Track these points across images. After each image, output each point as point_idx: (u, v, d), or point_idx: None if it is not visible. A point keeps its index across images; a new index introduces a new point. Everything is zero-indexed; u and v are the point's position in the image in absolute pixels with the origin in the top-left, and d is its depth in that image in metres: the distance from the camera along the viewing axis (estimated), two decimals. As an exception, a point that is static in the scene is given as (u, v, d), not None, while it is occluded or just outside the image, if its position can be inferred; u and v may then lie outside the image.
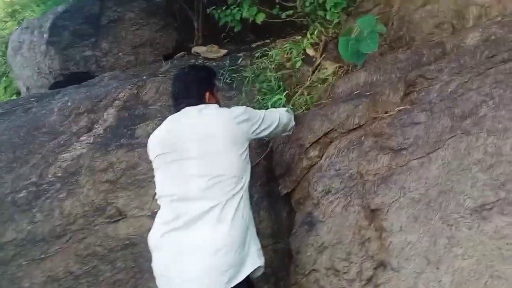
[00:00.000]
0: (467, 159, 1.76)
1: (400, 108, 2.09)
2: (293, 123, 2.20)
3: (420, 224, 1.76)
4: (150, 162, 1.93)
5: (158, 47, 3.94)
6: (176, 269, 1.67)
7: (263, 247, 2.26)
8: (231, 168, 1.76)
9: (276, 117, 2.04)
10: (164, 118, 1.97)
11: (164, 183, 1.82)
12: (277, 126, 2.03)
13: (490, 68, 1.89)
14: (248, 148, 1.86)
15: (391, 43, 2.63)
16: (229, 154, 1.77)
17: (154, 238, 1.77)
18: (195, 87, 1.92)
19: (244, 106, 1.95)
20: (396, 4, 2.64)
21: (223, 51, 3.41)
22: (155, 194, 1.89)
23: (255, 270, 1.76)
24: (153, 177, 1.87)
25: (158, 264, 1.75)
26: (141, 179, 2.44)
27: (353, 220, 1.96)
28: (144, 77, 3.12)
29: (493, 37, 2.07)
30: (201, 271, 1.62)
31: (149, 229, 2.25)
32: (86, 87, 3.23)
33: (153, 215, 2.31)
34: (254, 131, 1.89)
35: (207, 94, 1.93)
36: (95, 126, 2.82)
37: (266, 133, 1.98)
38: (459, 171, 1.75)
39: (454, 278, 1.61)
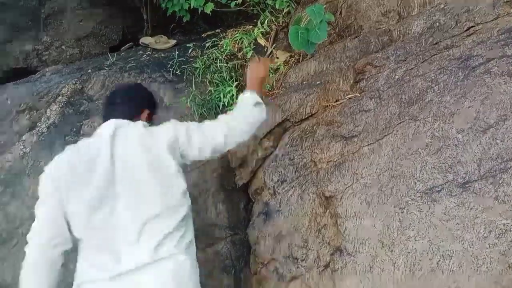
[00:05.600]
0: (415, 144, 1.80)
1: (350, 96, 2.12)
2: (262, 117, 1.73)
3: (373, 209, 1.80)
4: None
5: (103, 39, 3.78)
6: None
7: (221, 239, 2.25)
8: None
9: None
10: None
11: None
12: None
13: (435, 54, 1.95)
14: None
15: (340, 32, 2.65)
16: None
17: None
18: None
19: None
20: (343, -8, 2.66)
21: (172, 42, 3.31)
22: None
23: None
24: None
25: None
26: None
27: (309, 208, 1.97)
28: (89, 71, 2.98)
29: (437, 24, 2.13)
30: None
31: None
32: (26, 83, 3.04)
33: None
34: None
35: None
36: (37, 124, 2.66)
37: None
38: (409, 156, 1.80)
39: (407, 259, 1.66)
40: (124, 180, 1.49)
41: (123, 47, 3.56)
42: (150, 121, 1.75)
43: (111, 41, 3.79)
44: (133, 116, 1.65)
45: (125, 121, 1.60)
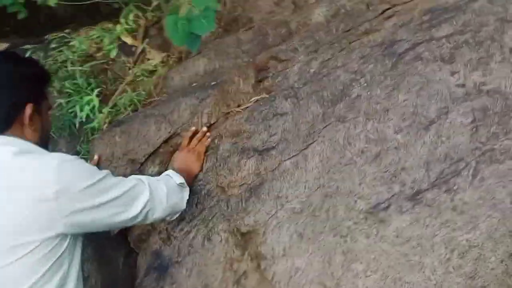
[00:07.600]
0: (348, 150, 1.45)
1: (257, 98, 1.68)
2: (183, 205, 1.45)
3: (307, 241, 1.39)
4: None
5: None
6: None
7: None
8: None
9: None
10: None
11: None
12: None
13: (353, 41, 1.64)
14: None
15: (226, 26, 2.27)
16: None
17: None
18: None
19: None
20: (226, -20, 2.26)
21: (3, 45, 2.56)
22: None
23: None
24: None
25: None
26: None
27: (221, 253, 1.48)
28: None
29: (343, 10, 1.85)
30: None
31: None
32: None
33: None
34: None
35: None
36: None
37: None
38: (342, 167, 1.44)
39: (362, 305, 1.27)
40: None
41: None
42: (36, 119, 1.17)
43: None
44: (9, 124, 1.12)
45: None
